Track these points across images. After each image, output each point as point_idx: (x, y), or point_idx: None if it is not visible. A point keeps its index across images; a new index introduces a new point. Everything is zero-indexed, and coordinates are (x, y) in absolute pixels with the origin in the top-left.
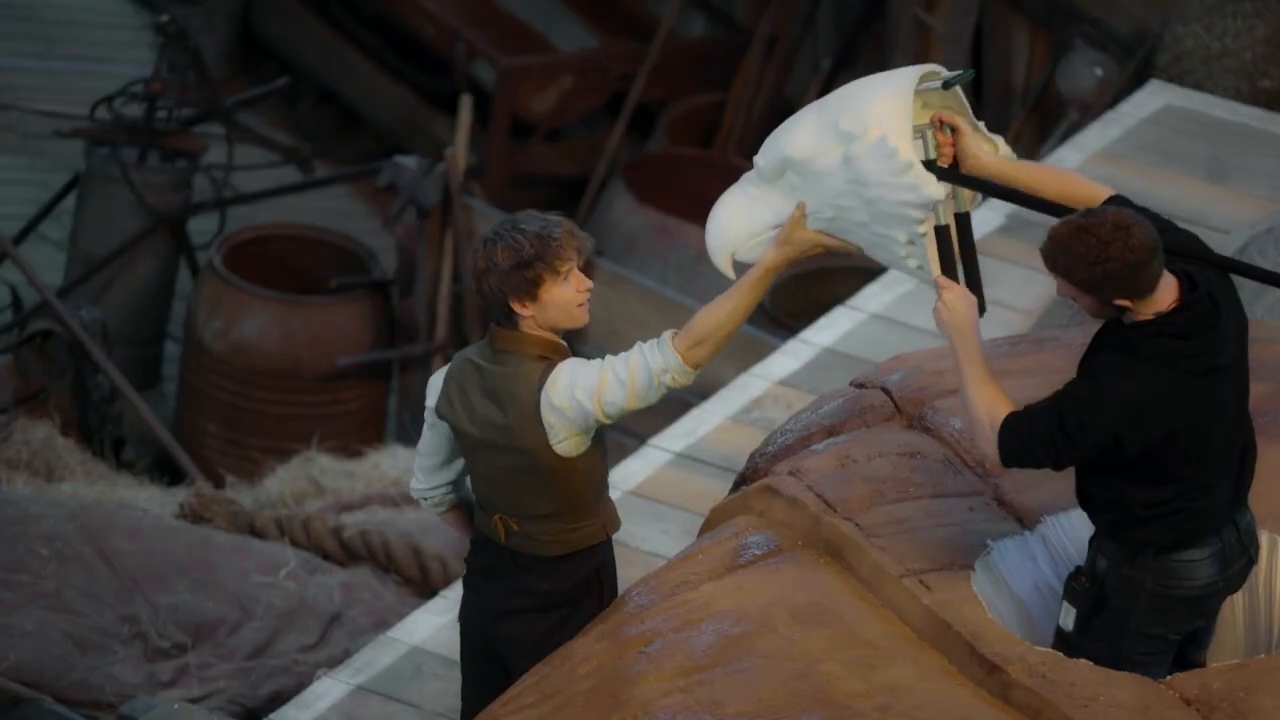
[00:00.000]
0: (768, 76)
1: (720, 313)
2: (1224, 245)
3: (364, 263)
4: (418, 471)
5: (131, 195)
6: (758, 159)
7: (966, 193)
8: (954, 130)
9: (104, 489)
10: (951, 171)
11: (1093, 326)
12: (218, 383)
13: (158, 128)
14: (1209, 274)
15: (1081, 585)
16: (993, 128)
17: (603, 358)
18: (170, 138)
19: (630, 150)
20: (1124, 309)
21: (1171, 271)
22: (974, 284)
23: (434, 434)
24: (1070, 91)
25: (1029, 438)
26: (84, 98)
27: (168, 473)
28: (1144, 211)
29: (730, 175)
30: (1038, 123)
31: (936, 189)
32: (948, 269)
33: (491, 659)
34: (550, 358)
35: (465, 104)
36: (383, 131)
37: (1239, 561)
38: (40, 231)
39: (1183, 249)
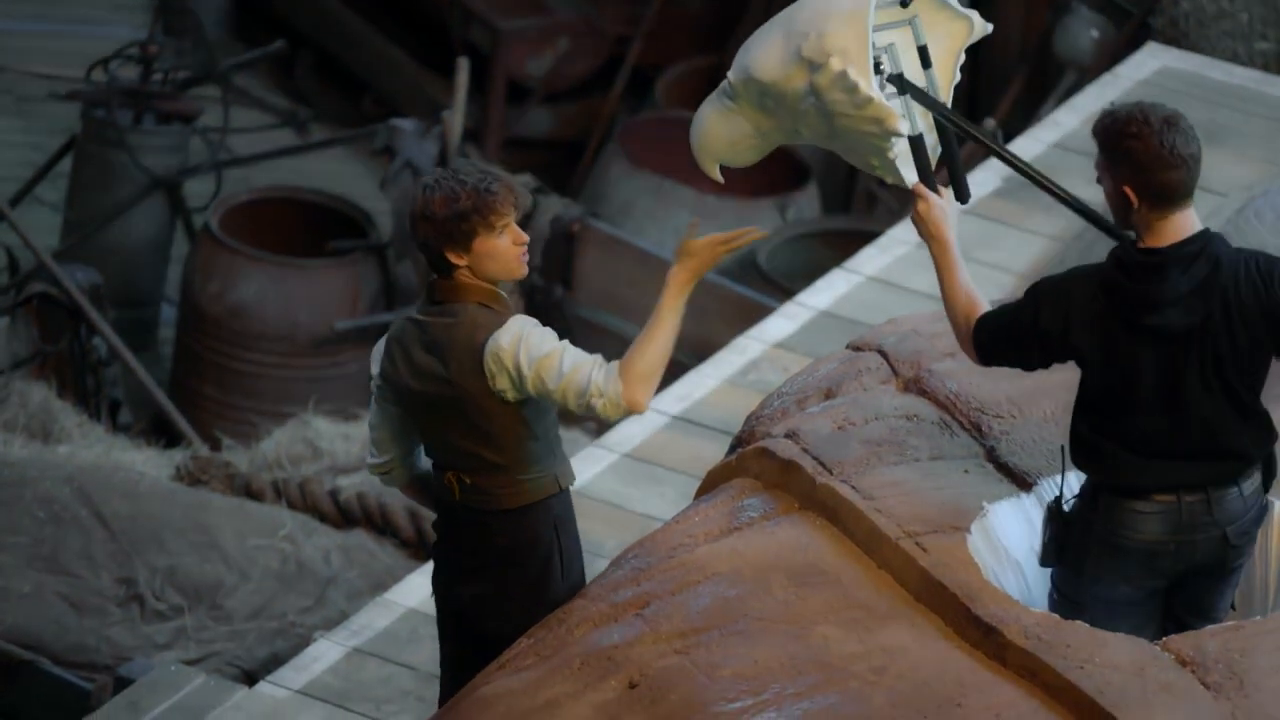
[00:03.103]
0: None
1: (656, 350)
2: (1221, 208)
3: (360, 226)
4: (371, 446)
5: (127, 158)
6: (730, 75)
7: (942, 82)
8: None
9: (100, 451)
10: (917, 89)
11: None
12: (214, 346)
13: (153, 90)
14: (1226, 249)
15: (1051, 514)
16: (990, 89)
17: (561, 340)
18: (166, 100)
19: (627, 114)
20: (1129, 203)
21: (1205, 228)
22: (953, 170)
23: (381, 403)
24: (1067, 54)
25: (998, 333)
26: (80, 60)
27: (164, 435)
28: None
29: None
30: (1035, 85)
31: (899, 123)
32: (924, 177)
33: (462, 624)
34: (490, 305)
35: (462, 67)
36: (379, 94)
37: (1202, 533)
38: (36, 194)
39: None
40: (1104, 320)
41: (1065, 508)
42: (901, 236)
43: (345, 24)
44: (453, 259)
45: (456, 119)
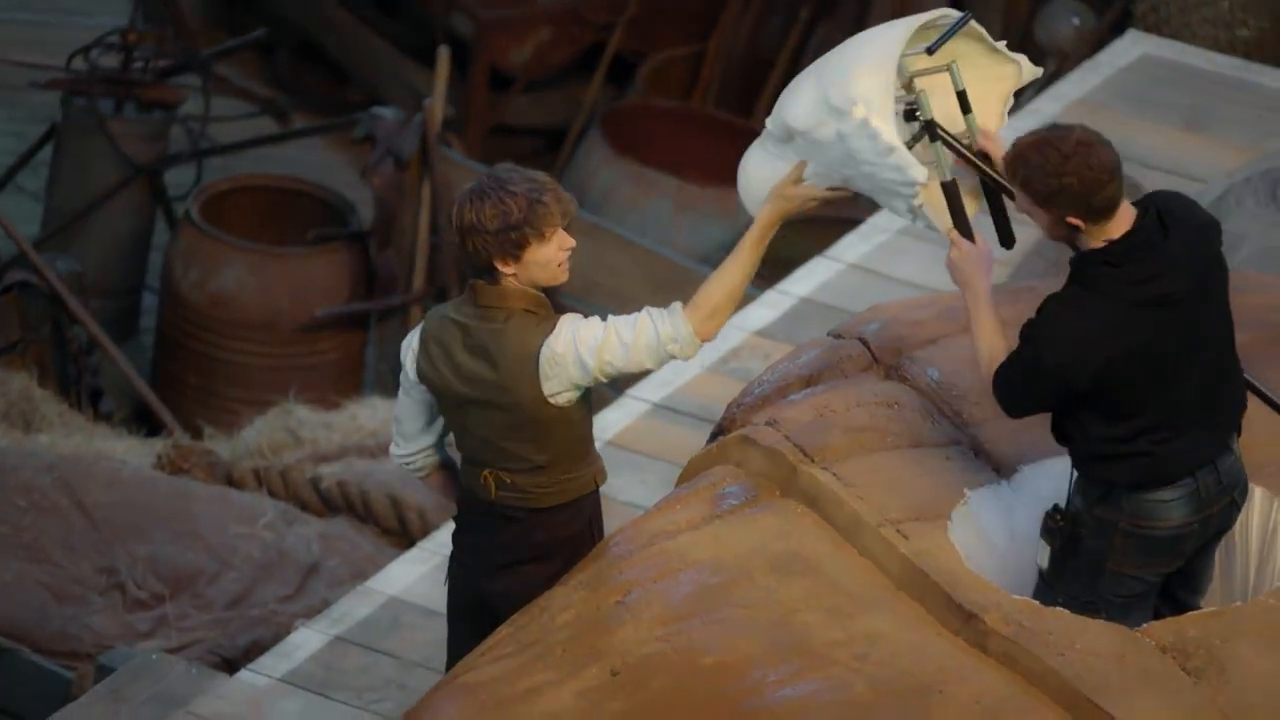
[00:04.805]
0: (745, 28)
1: (730, 282)
2: (1202, 194)
3: (341, 214)
4: (397, 438)
5: (108, 146)
6: (768, 122)
7: (990, 127)
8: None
9: (81, 440)
10: (946, 135)
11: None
12: (195, 334)
13: (134, 79)
14: (1172, 204)
15: (1055, 523)
16: None
17: (603, 317)
18: (147, 89)
19: (608, 102)
20: (1076, 229)
21: (1134, 203)
22: (997, 216)
23: (413, 398)
24: (1048, 41)
25: (1010, 385)
26: (60, 48)
27: (145, 424)
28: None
29: (708, 127)
30: None
31: (920, 171)
32: (959, 222)
33: (484, 617)
34: (536, 311)
35: (443, 56)
36: (360, 83)
37: (1218, 503)
38: (16, 183)
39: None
40: (1116, 318)
41: (1060, 520)
42: (883, 224)
43: (327, 12)
44: (501, 267)
45: (437, 107)
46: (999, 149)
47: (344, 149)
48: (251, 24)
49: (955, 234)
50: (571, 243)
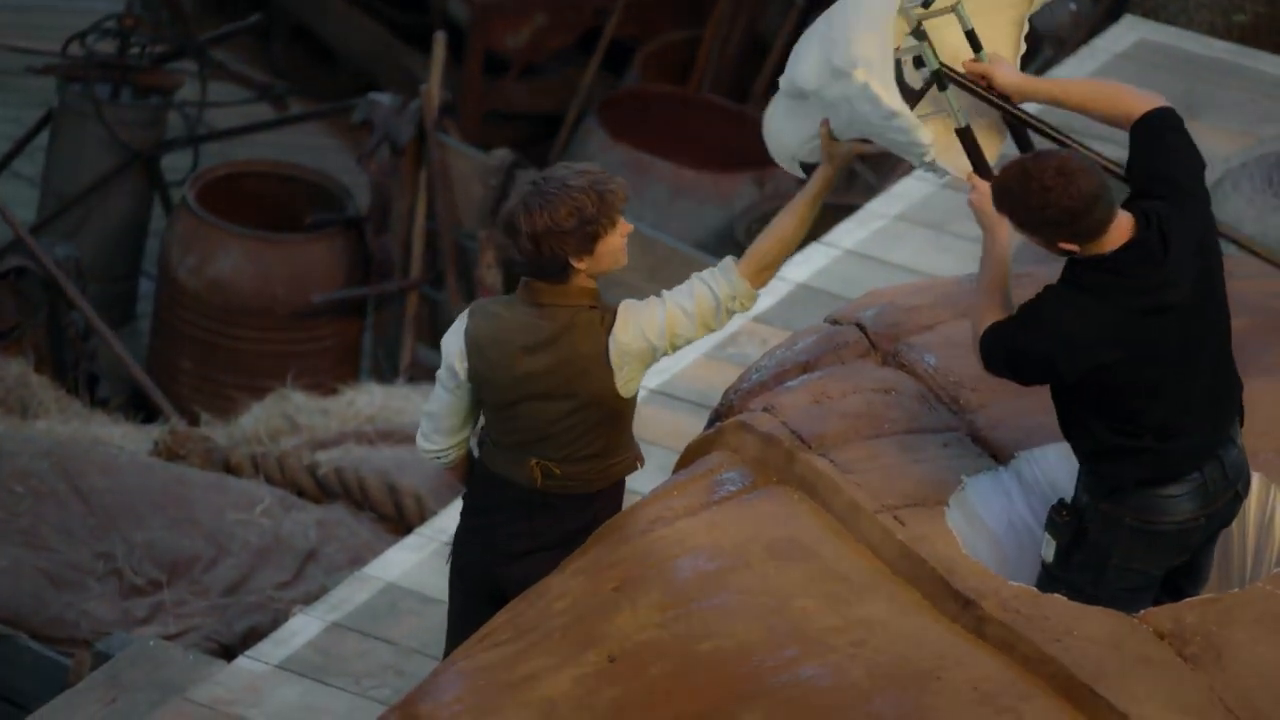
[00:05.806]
0: (742, 13)
1: (784, 236)
2: None
3: (338, 199)
4: (431, 433)
5: (105, 132)
6: (781, 80)
7: (1006, 55)
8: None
9: (78, 426)
10: (960, 78)
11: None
12: (192, 320)
13: (131, 64)
14: (1171, 212)
15: (1062, 518)
16: None
17: (658, 294)
18: (144, 74)
19: (605, 87)
20: (1070, 250)
21: (1130, 209)
22: (1023, 150)
23: (456, 396)
24: (1045, 26)
25: (995, 353)
26: (57, 34)
27: (142, 410)
28: (1182, 134)
29: (704, 112)
30: None
31: (926, 134)
32: (978, 165)
33: (491, 604)
34: (597, 305)
35: (439, 41)
36: (357, 68)
37: (1224, 497)
38: (13, 168)
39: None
40: (1113, 324)
41: (1067, 515)
42: (880, 210)
43: None
44: (576, 264)
45: (434, 92)
46: (1011, 78)
47: (341, 134)
48: (248, 9)
49: (974, 176)
50: (630, 227)
